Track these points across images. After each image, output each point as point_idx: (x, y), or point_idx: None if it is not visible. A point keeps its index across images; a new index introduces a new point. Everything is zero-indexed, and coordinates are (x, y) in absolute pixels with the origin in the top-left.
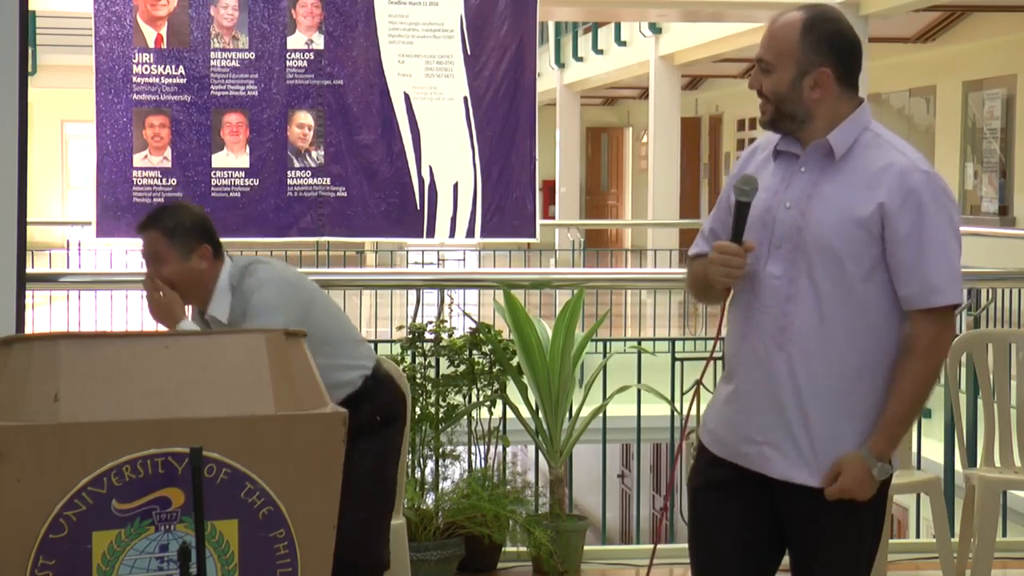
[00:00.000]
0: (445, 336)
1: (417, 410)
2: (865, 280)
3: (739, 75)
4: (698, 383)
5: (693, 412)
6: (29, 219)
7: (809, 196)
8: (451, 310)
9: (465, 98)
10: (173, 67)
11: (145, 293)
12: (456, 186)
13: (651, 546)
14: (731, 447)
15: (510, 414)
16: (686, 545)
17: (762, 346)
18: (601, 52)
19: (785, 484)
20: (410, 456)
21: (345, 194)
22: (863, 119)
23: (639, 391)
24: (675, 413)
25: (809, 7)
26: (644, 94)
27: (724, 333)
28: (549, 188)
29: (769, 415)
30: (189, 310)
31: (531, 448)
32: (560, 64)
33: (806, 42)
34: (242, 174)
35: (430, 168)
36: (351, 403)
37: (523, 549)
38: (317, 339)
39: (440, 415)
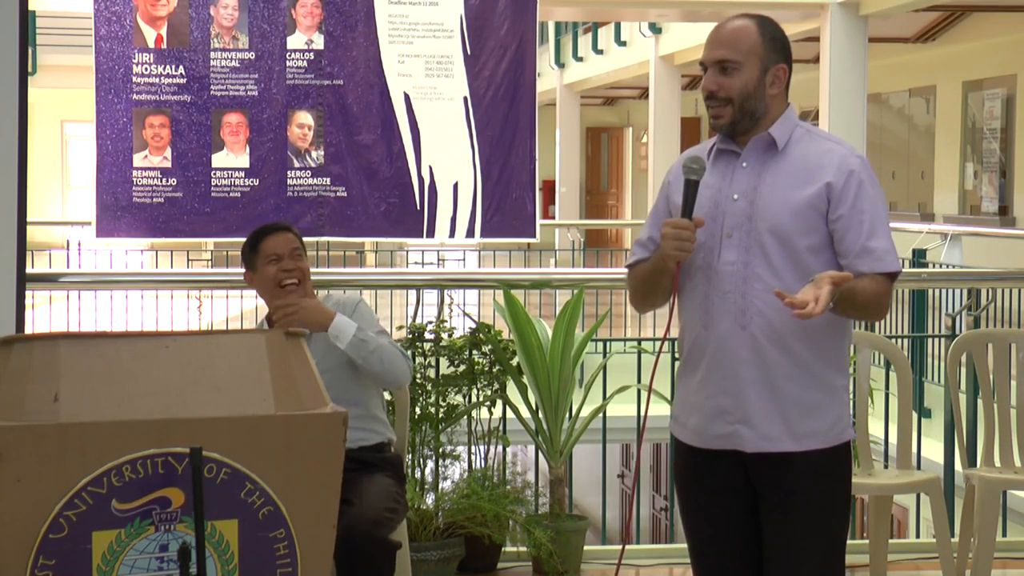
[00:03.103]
0: (445, 336)
1: (417, 410)
2: (815, 258)
3: None
4: (650, 386)
5: (624, 413)
6: (29, 219)
7: (755, 187)
8: (451, 310)
9: (465, 98)
10: (173, 67)
11: (289, 303)
12: (456, 186)
13: (651, 546)
14: (704, 433)
15: (510, 414)
16: (685, 545)
17: (726, 329)
18: (601, 52)
19: (759, 456)
20: (410, 456)
21: (345, 194)
22: (793, 118)
23: (639, 391)
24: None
25: (749, 14)
26: (644, 94)
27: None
28: (549, 188)
29: (738, 394)
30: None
31: (531, 448)
32: (560, 64)
33: (766, 41)
34: (242, 174)
35: (430, 168)
36: (384, 447)
37: (523, 549)
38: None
39: (440, 415)
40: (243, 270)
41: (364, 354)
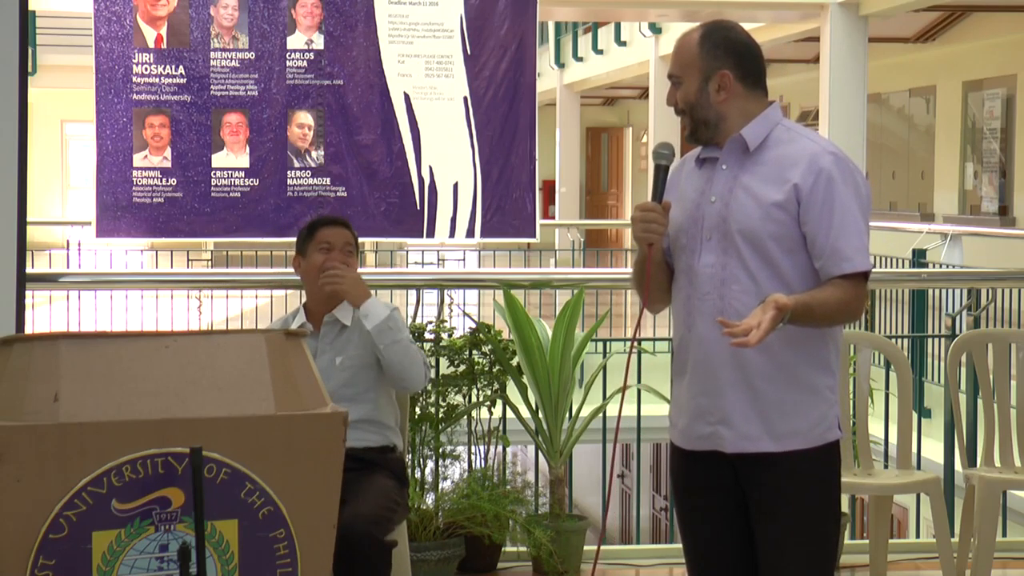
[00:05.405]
0: (445, 336)
1: (417, 410)
2: (787, 259)
3: None
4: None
5: (625, 413)
6: (29, 219)
7: (731, 189)
8: (451, 310)
9: (465, 98)
10: (173, 67)
11: (336, 272)
12: (456, 186)
13: (652, 546)
14: (689, 435)
15: (510, 414)
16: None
17: (705, 331)
18: (601, 52)
19: (742, 457)
20: (410, 456)
21: (345, 194)
22: (774, 116)
23: (639, 391)
24: None
25: (706, 23)
26: (644, 94)
27: (654, 334)
28: (549, 188)
29: (718, 395)
30: (301, 316)
31: (531, 448)
32: (560, 64)
33: (704, 50)
34: (242, 174)
35: (430, 168)
36: (389, 449)
37: (523, 549)
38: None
39: (440, 415)
40: (286, 270)
41: (388, 341)
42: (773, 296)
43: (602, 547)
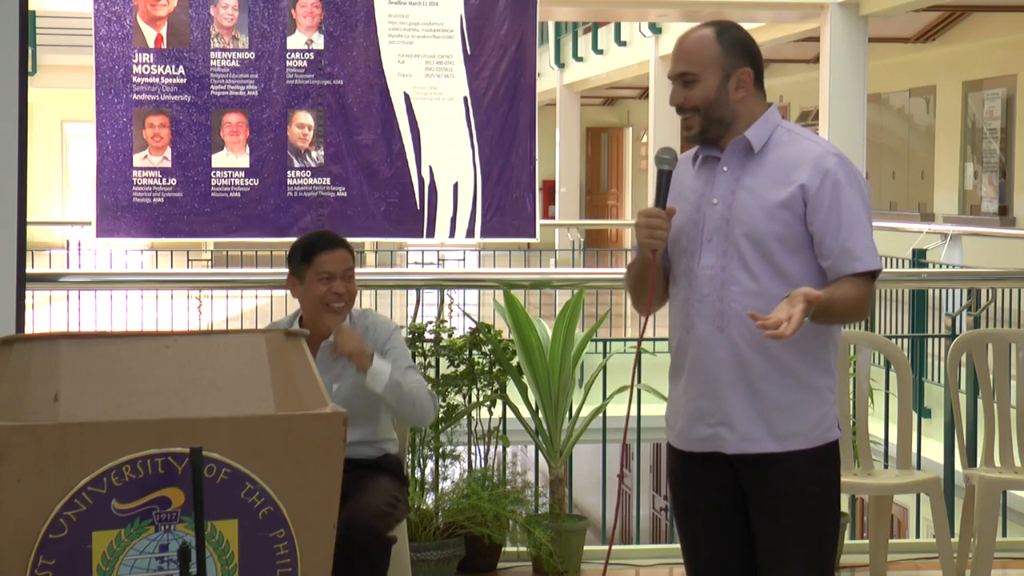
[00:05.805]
0: (445, 336)
1: None
2: (792, 259)
3: None
4: (632, 385)
5: (624, 413)
6: (29, 219)
7: (733, 191)
8: (451, 310)
9: (465, 98)
10: (173, 67)
11: (342, 339)
12: (456, 186)
13: (652, 546)
14: (688, 436)
15: (510, 414)
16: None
17: (704, 332)
18: (601, 52)
19: (742, 458)
20: (410, 456)
21: (345, 194)
22: (775, 118)
23: (639, 391)
24: None
25: (711, 22)
26: (644, 94)
27: (661, 335)
28: (549, 188)
29: (719, 397)
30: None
31: (531, 448)
32: (560, 64)
33: (724, 48)
34: (242, 174)
35: (430, 168)
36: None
37: (523, 549)
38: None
39: (440, 415)
40: (285, 271)
41: (398, 396)
42: (802, 289)
43: (602, 547)
